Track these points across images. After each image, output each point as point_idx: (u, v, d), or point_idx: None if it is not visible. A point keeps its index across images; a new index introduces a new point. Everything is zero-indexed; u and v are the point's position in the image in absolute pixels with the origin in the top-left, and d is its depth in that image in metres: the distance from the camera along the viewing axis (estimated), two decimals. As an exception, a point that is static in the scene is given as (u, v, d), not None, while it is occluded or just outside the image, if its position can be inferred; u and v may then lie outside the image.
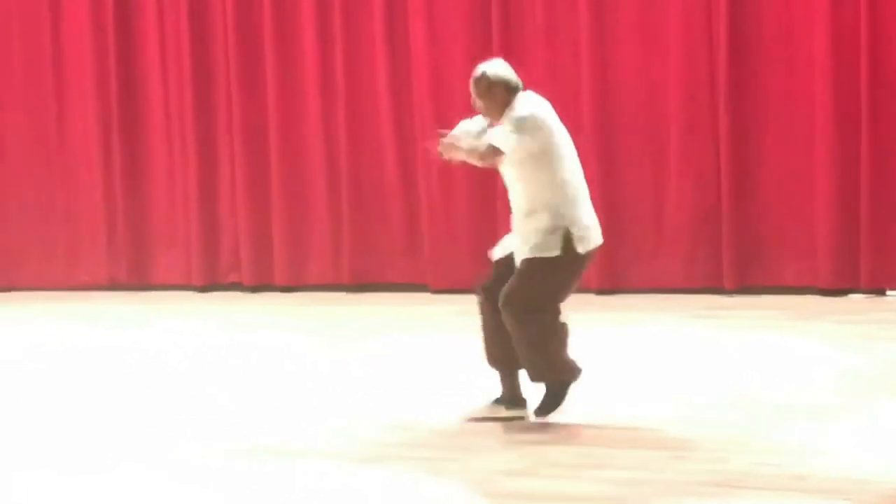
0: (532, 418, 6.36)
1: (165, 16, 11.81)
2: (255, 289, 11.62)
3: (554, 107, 10.57)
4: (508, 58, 10.18)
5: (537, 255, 6.19)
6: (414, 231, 11.20)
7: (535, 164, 6.21)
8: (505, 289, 6.19)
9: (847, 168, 9.91)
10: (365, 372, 7.88)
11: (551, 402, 6.32)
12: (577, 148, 10.49)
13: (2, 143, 12.40)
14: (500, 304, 6.21)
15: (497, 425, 6.37)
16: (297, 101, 11.45)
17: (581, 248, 6.23)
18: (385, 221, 11.28)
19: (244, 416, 6.82)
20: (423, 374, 7.70)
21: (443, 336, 8.99)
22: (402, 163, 11.13)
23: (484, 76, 6.35)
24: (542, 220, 6.20)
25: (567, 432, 6.22)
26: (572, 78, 10.51)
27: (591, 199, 10.39)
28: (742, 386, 7.04)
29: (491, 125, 6.40)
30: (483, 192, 10.62)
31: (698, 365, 7.69)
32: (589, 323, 9.10)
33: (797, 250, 10.09)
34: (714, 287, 10.26)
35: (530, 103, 6.33)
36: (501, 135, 6.21)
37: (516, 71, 6.46)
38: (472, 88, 6.39)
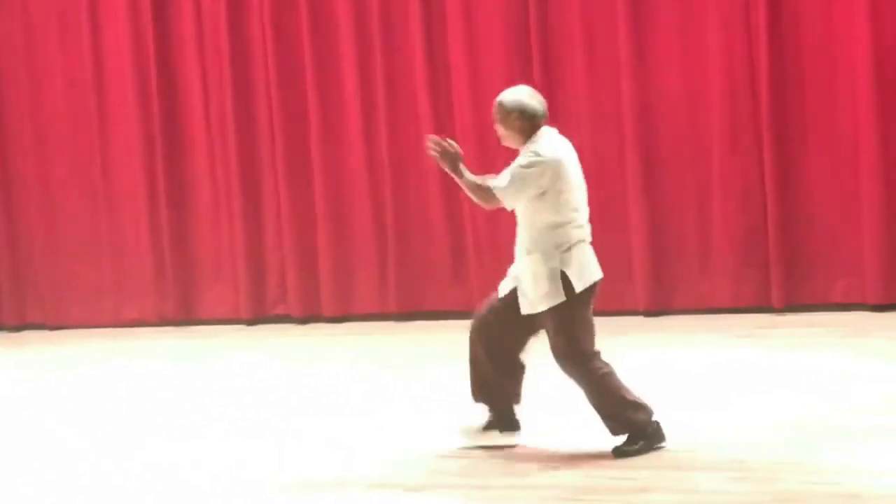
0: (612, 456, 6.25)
1: (206, 48, 11.88)
2: (304, 320, 11.65)
3: (595, 129, 10.67)
4: (548, 81, 10.41)
5: (550, 304, 6.23)
6: (460, 258, 11.21)
7: (535, 207, 6.26)
8: (552, 349, 6.27)
9: (893, 182, 9.85)
10: (415, 400, 7.89)
11: (635, 448, 6.21)
12: (621, 170, 10.59)
13: (47, 182, 12.51)
14: (557, 365, 6.27)
15: (544, 451, 6.36)
16: (339, 133, 11.50)
17: (579, 287, 6.24)
18: (431, 249, 11.29)
19: (298, 447, 6.84)
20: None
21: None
22: (446, 190, 11.13)
23: (500, 103, 6.35)
24: (537, 264, 6.26)
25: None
26: (613, 100, 10.51)
27: (638, 221, 10.49)
28: (793, 405, 7.00)
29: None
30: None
31: (748, 385, 7.65)
32: (637, 345, 9.11)
33: (845, 266, 10.02)
34: (762, 306, 10.20)
35: (548, 142, 6.29)
36: (507, 180, 6.21)
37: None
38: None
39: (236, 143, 11.77)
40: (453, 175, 6.38)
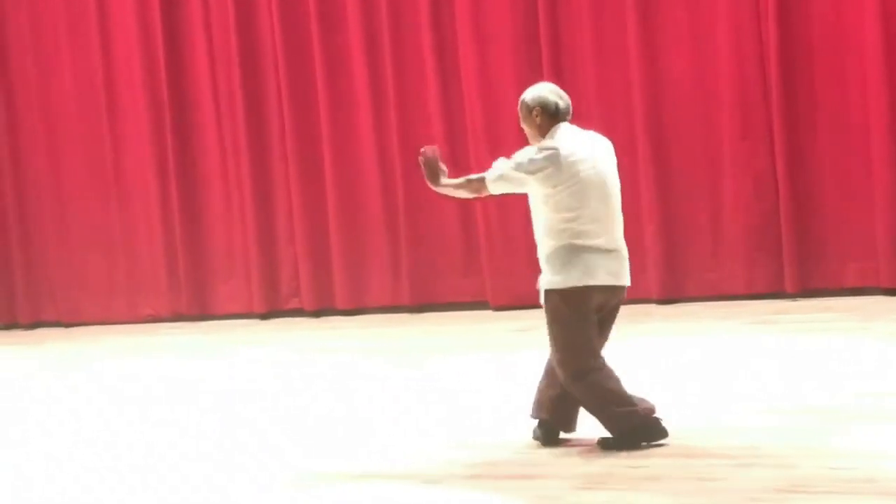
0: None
1: (216, 44, 11.92)
2: (317, 313, 11.68)
3: (605, 117, 10.65)
4: (559, 74, 10.39)
5: (545, 287, 6.02)
6: (472, 249, 11.22)
7: (542, 200, 6.04)
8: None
9: (905, 165, 9.84)
10: (430, 392, 7.89)
11: (619, 442, 6.08)
12: (632, 158, 10.54)
13: (60, 181, 12.57)
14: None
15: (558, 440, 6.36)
16: (350, 126, 11.52)
17: (565, 282, 5.93)
18: (443, 241, 11.30)
19: (314, 440, 6.85)
20: (487, 393, 7.69)
21: (505, 353, 8.98)
22: (457, 182, 11.15)
23: (523, 101, 6.16)
24: (547, 249, 6.07)
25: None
26: (623, 92, 10.50)
27: (649, 209, 10.45)
28: (809, 390, 6.99)
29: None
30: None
31: (763, 371, 7.63)
32: (650, 333, 9.10)
33: (858, 251, 10.01)
34: (776, 292, 10.19)
35: (561, 138, 6.03)
36: (501, 169, 6.04)
37: (568, 92, 6.26)
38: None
39: (247, 139, 11.80)
40: (432, 183, 6.19)
